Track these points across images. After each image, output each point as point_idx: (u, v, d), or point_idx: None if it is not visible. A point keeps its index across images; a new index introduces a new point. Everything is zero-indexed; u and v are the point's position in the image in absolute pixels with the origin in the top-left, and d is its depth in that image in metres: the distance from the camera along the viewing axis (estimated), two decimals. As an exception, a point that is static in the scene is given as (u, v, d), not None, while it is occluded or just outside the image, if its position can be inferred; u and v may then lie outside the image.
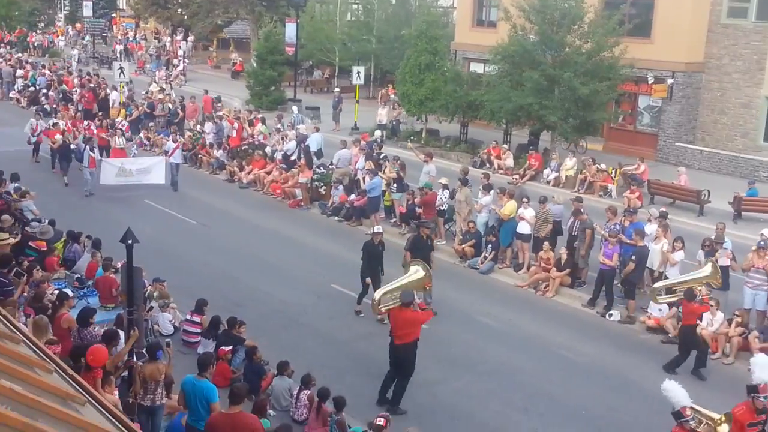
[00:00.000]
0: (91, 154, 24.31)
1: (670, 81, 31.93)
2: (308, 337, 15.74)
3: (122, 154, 26.67)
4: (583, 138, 30.69)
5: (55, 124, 28.37)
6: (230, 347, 13.78)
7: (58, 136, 26.79)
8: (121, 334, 12.04)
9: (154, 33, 68.55)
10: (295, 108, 35.37)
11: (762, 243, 16.38)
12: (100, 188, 24.53)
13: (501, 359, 15.22)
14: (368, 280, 16.34)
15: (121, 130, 28.60)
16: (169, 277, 16.74)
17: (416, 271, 13.97)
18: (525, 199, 19.68)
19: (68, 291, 14.38)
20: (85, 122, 30.49)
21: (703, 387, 14.27)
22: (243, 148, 28.26)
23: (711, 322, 15.59)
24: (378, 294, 13.76)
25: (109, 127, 29.29)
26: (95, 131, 27.98)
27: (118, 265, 15.06)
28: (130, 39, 62.40)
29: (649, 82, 31.90)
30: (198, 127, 30.83)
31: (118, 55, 54.63)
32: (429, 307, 15.60)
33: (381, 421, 11.06)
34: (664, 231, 17.71)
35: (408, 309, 12.89)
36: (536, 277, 18.66)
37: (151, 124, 31.11)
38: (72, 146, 26.45)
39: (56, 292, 14.34)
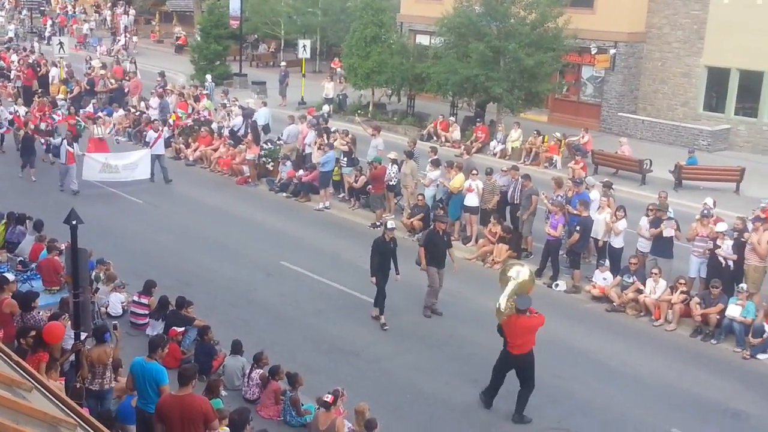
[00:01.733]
0: (69, 148, 22.29)
1: (612, 51, 32.38)
2: (258, 315, 15.73)
3: (103, 145, 24.36)
4: (527, 109, 30.88)
5: (18, 112, 26.32)
6: (182, 328, 13.71)
7: (31, 125, 24.80)
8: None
9: (94, 6, 66.79)
10: (208, 77, 35.41)
11: (705, 212, 16.80)
12: (81, 184, 22.74)
13: (450, 332, 15.40)
14: (374, 279, 15.29)
15: (102, 118, 26.60)
16: (114, 257, 16.57)
17: (519, 273, 12.73)
18: (474, 172, 19.82)
19: (10, 275, 14.12)
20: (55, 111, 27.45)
21: (648, 353, 14.69)
22: (188, 124, 27.85)
23: (654, 290, 16.00)
24: (503, 302, 12.50)
25: (76, 112, 27.26)
26: (55, 119, 25.85)
27: (62, 246, 14.89)
28: (69, 13, 60.76)
29: (593, 53, 32.30)
30: (142, 103, 30.27)
31: (50, 30, 53.09)
32: (436, 309, 15.85)
33: (329, 398, 11.13)
34: (608, 201, 18.03)
35: (524, 316, 12.18)
36: (483, 250, 18.87)
37: (93, 100, 30.38)
38: (41, 139, 24.64)
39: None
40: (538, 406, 12.97)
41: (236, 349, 13.06)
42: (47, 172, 24.02)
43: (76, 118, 26.36)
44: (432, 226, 16.55)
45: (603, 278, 16.87)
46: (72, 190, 22.30)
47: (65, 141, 22.54)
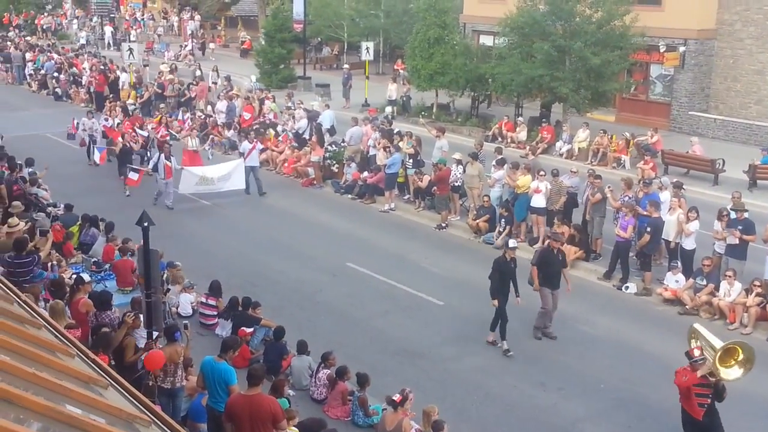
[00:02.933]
0: (167, 162, 21.66)
1: (682, 49, 31.60)
2: (324, 316, 15.80)
3: (196, 158, 24.07)
4: (594, 109, 30.32)
5: (117, 124, 26.19)
6: (251, 329, 13.85)
7: (120, 139, 24.75)
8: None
9: (162, 12, 68.23)
10: (253, 77, 35.98)
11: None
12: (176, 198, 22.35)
13: (517, 334, 15.22)
14: (495, 302, 14.34)
15: (195, 130, 26.36)
16: (183, 259, 16.83)
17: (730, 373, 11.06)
18: (542, 173, 19.57)
19: (85, 275, 14.49)
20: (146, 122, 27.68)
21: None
22: (254, 127, 28.17)
23: (728, 293, 15.55)
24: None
25: (166, 124, 27.02)
26: (143, 131, 25.84)
27: (135, 248, 15.21)
28: (138, 19, 62.16)
29: (661, 51, 31.59)
30: (209, 107, 30.76)
31: (110, 36, 54.52)
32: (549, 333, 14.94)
33: (397, 397, 11.16)
34: (680, 201, 17.61)
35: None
36: (551, 251, 18.59)
37: (161, 105, 31.02)
38: (135, 150, 24.57)
39: (74, 276, 14.49)
40: (606, 410, 12.77)
41: (302, 348, 13.13)
42: (142, 184, 22.80)
43: (169, 130, 26.31)
44: (546, 245, 15.62)
45: (675, 280, 16.46)
46: (167, 205, 21.76)
47: (162, 155, 21.96)
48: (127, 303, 13.95)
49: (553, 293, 14.86)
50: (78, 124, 26.84)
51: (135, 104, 32.31)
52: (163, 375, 11.44)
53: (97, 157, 24.67)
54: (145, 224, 12.34)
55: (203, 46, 51.21)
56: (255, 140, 24.14)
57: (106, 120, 26.93)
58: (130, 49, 35.10)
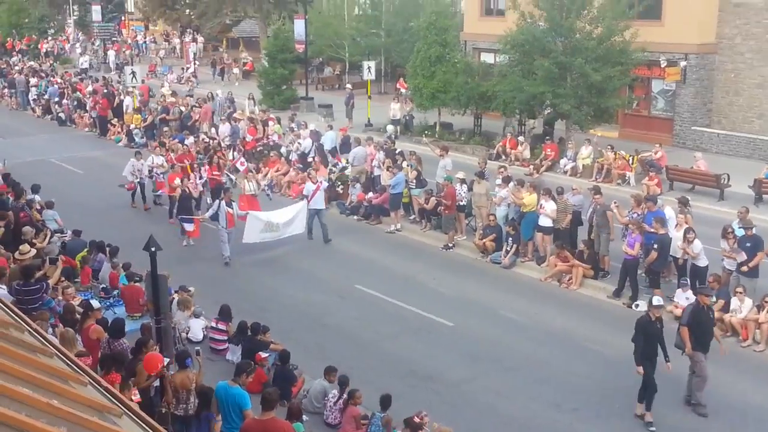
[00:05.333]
0: (229, 209, 19.40)
1: (683, 63, 31.70)
2: (334, 339, 15.76)
3: (254, 203, 21.81)
4: (596, 125, 30.35)
5: (172, 167, 23.46)
6: (267, 354, 13.80)
7: (177, 181, 22.05)
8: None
9: (164, 35, 68.64)
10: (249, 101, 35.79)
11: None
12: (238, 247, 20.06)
13: (528, 354, 15.19)
14: (640, 369, 12.64)
15: (252, 172, 23.73)
16: (190, 283, 16.79)
17: None
18: (545, 192, 19.57)
19: (95, 302, 14.47)
20: (198, 161, 24.81)
21: (736, 375, 14.21)
22: (258, 149, 28.24)
23: (740, 309, 15.51)
24: None
25: (221, 165, 24.63)
26: (196, 172, 23.33)
27: (143, 274, 15.20)
28: (140, 42, 62.52)
29: (662, 66, 31.70)
30: (212, 129, 30.85)
31: (115, 59, 54.75)
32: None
33: (416, 419, 11.17)
34: (686, 218, 17.59)
35: None
36: (558, 269, 18.60)
37: (165, 128, 31.10)
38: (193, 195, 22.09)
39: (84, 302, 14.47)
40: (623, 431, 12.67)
41: (327, 373, 12.99)
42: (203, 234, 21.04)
43: (226, 173, 24.42)
44: (695, 302, 13.58)
45: (686, 297, 16.37)
46: (225, 258, 19.61)
47: (222, 201, 19.60)
48: (136, 329, 13.90)
49: (705, 357, 13.06)
50: (126, 169, 24.13)
51: (138, 128, 32.41)
52: (175, 401, 11.43)
53: (190, 227, 20.66)
54: (153, 249, 12.35)
55: (222, 71, 51.12)
56: (319, 181, 22.12)
57: (153, 163, 24.44)
58: (133, 72, 35.30)
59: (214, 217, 19.72)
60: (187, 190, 21.68)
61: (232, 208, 19.58)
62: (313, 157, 26.37)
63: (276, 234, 20.37)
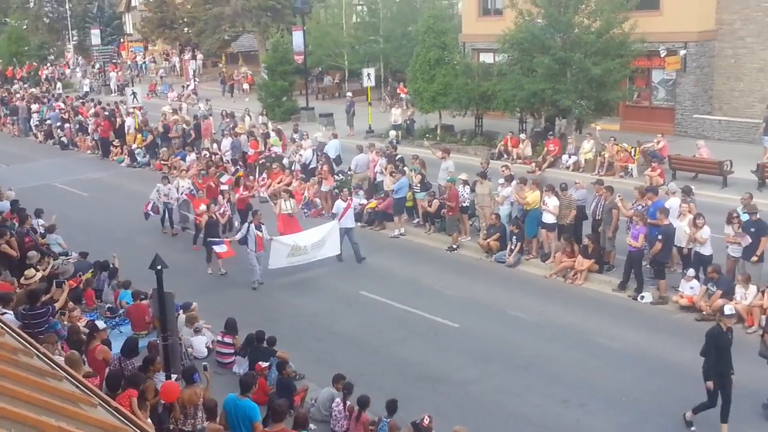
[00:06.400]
0: (258, 233, 18.68)
1: (682, 52, 31.63)
2: (342, 347, 15.76)
3: (293, 223, 20.82)
4: (597, 119, 30.26)
5: (195, 192, 22.71)
6: (267, 363, 13.82)
7: (203, 207, 21.05)
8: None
9: (163, 55, 69.00)
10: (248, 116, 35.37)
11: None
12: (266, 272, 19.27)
13: (536, 352, 15.14)
14: (710, 384, 11.78)
15: (288, 192, 22.20)
16: (196, 297, 16.82)
17: None
18: (547, 189, 19.52)
19: (100, 322, 14.53)
20: (223, 180, 23.78)
21: (745, 362, 14.10)
22: (260, 162, 28.31)
23: (744, 296, 15.42)
24: None
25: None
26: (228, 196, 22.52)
27: (149, 292, 15.24)
28: (140, 63, 62.86)
29: (662, 56, 31.63)
30: (214, 145, 30.95)
31: (112, 82, 55.05)
32: None
33: (423, 422, 11.18)
34: (689, 207, 17.51)
35: None
36: (563, 265, 18.54)
37: (163, 149, 31.20)
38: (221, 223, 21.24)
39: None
40: (631, 424, 12.64)
41: (335, 381, 12.90)
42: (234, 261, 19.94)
43: (259, 192, 23.63)
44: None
45: (690, 287, 16.34)
46: (254, 282, 18.91)
47: (252, 224, 18.85)
48: (143, 347, 13.95)
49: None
50: (153, 194, 23.39)
51: (140, 148, 32.57)
52: (183, 417, 11.46)
53: (221, 248, 19.56)
54: (159, 267, 12.40)
55: (232, 88, 51.32)
56: (349, 198, 21.29)
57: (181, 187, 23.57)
58: (134, 93, 35.48)
59: (243, 241, 18.95)
60: (214, 216, 20.65)
61: (262, 231, 18.82)
62: (316, 167, 26.41)
63: (306, 257, 19.55)
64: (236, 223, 22.12)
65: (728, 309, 12.41)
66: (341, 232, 20.30)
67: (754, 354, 13.16)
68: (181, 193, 23.33)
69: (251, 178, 25.60)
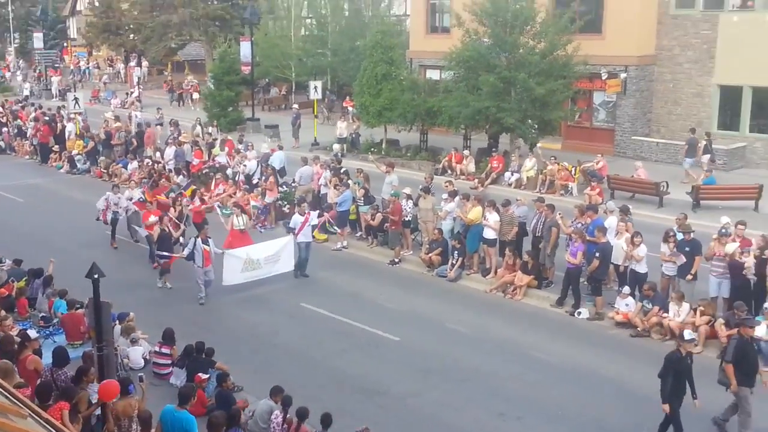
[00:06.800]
0: (205, 247, 17.98)
1: (623, 75, 32.42)
2: (282, 359, 15.67)
3: (244, 239, 20.28)
4: (540, 138, 30.77)
5: (145, 201, 22.38)
6: (207, 375, 13.66)
7: (153, 218, 20.43)
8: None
9: (108, 61, 67.95)
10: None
11: (723, 231, 16.67)
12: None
13: (475, 365, 15.27)
14: (666, 407, 11.95)
15: (239, 207, 21.65)
16: (133, 308, 16.54)
17: None
18: (488, 204, 19.77)
19: (32, 332, 14.17)
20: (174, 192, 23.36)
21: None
22: (204, 171, 28.05)
23: (678, 313, 15.82)
24: None
25: (204, 198, 23.32)
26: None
27: (85, 301, 14.95)
28: (83, 68, 61.84)
29: (603, 78, 32.39)
30: (157, 153, 30.59)
31: (54, 87, 54.00)
32: None
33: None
34: (626, 226, 17.90)
35: None
36: (504, 280, 18.78)
37: (101, 157, 30.71)
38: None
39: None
40: (568, 438, 12.81)
41: (273, 393, 12.76)
42: (181, 274, 19.40)
43: (222, 207, 22.57)
44: (737, 333, 12.73)
45: (625, 304, 16.71)
46: (201, 298, 18.30)
47: (198, 239, 18.23)
48: (77, 357, 13.66)
49: (751, 392, 12.34)
50: (100, 202, 22.81)
51: (81, 154, 32.01)
52: (117, 430, 11.24)
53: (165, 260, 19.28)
54: (95, 276, 12.19)
55: (181, 97, 50.86)
56: (307, 212, 20.56)
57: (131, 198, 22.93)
58: (76, 99, 34.89)
59: (190, 257, 18.20)
60: (166, 229, 19.78)
61: (209, 245, 18.21)
62: (260, 178, 26.28)
63: (261, 272, 19.10)
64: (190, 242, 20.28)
65: (688, 334, 12.56)
66: (300, 247, 19.94)
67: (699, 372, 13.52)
68: (131, 203, 22.66)
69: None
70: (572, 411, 13.54)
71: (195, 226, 20.99)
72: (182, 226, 20.92)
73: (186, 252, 18.54)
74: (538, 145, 29.66)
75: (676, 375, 11.88)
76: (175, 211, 21.65)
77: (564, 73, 29.13)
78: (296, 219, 20.30)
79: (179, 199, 22.81)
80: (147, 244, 21.17)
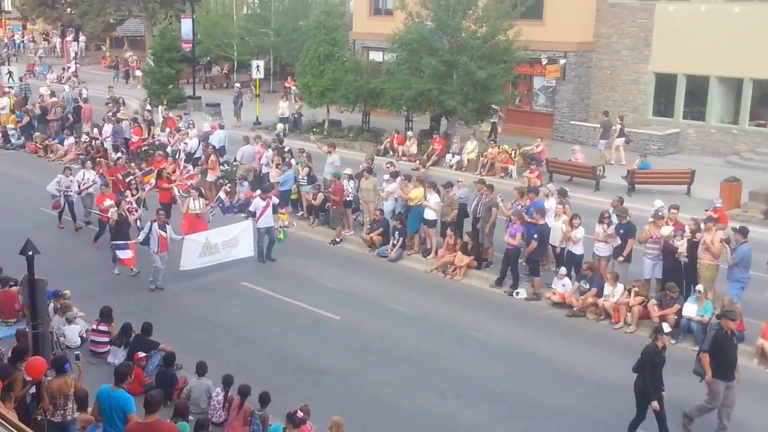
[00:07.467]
0: (161, 232, 17.51)
1: (562, 61, 32.94)
2: (222, 338, 15.62)
3: (200, 223, 19.58)
4: (481, 121, 31.10)
5: (104, 185, 21.35)
6: (146, 354, 13.55)
7: (108, 201, 19.49)
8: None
9: (44, 34, 66.08)
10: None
11: (658, 214, 17.14)
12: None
13: (415, 345, 15.45)
14: (656, 404, 11.71)
15: (198, 190, 20.59)
16: (70, 285, 16.29)
17: None
18: (429, 186, 19.94)
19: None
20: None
21: (611, 356, 14.88)
22: (143, 149, 27.60)
23: (612, 293, 16.25)
24: None
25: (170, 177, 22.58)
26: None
27: (19, 278, 14.66)
28: (18, 41, 60.06)
29: (543, 63, 32.85)
30: (95, 130, 29.95)
31: None
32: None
33: (299, 414, 11.22)
34: (564, 208, 18.28)
35: None
36: (444, 261, 18.99)
37: (37, 133, 29.96)
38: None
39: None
40: (504, 415, 13.08)
41: (201, 371, 12.91)
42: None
43: (176, 191, 21.15)
44: (717, 326, 12.36)
45: (562, 285, 17.09)
46: (154, 285, 17.83)
47: (155, 224, 17.70)
48: (11, 335, 13.43)
49: (727, 386, 12.11)
50: (51, 185, 21.76)
51: (15, 128, 31.20)
52: (52, 408, 11.08)
53: (125, 254, 18.06)
54: (30, 253, 11.96)
55: (127, 74, 49.78)
56: (268, 196, 20.02)
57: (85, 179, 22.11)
58: (10, 72, 33.94)
59: (145, 242, 17.65)
60: (123, 214, 18.91)
61: (166, 231, 17.64)
62: (200, 157, 25.97)
63: (217, 257, 18.76)
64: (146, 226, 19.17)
65: (666, 327, 12.63)
66: (261, 233, 19.63)
67: (624, 351, 13.86)
68: (84, 185, 21.89)
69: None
70: (510, 389, 13.82)
71: (162, 206, 20.16)
72: (139, 210, 20.20)
73: (141, 236, 17.91)
74: (480, 129, 29.97)
75: (653, 368, 11.75)
76: (132, 195, 20.98)
77: (505, 58, 29.47)
78: (257, 203, 19.77)
79: (138, 184, 22.20)
80: (97, 226, 20.60)
